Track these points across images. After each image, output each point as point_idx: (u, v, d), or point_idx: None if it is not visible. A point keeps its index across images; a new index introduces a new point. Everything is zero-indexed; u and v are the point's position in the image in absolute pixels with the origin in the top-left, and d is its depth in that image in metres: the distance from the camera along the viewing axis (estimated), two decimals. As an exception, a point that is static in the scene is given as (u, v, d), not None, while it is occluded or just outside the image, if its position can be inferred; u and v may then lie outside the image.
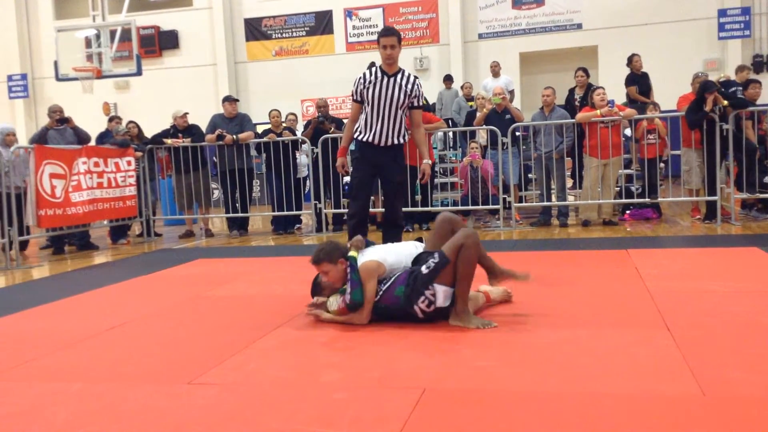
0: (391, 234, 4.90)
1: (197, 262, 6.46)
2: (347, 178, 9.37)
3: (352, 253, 3.62)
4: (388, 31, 4.75)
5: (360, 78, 4.78)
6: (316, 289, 3.84)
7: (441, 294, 3.47)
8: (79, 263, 7.08)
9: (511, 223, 8.19)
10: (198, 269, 6.04)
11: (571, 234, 7.37)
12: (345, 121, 9.12)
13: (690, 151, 7.81)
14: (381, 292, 3.57)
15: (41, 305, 4.67)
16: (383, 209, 5.09)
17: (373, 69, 4.80)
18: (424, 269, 3.51)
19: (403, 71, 4.82)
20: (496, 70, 11.73)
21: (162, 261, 6.70)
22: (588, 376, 2.63)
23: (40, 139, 7.66)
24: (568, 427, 2.15)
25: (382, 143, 4.79)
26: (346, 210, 9.31)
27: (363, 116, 4.81)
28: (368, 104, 4.75)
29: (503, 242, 7.00)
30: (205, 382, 2.80)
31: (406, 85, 4.73)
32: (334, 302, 3.64)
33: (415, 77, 4.87)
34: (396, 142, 4.83)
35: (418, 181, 8.35)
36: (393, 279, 3.60)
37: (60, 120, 7.86)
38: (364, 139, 4.81)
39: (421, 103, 4.88)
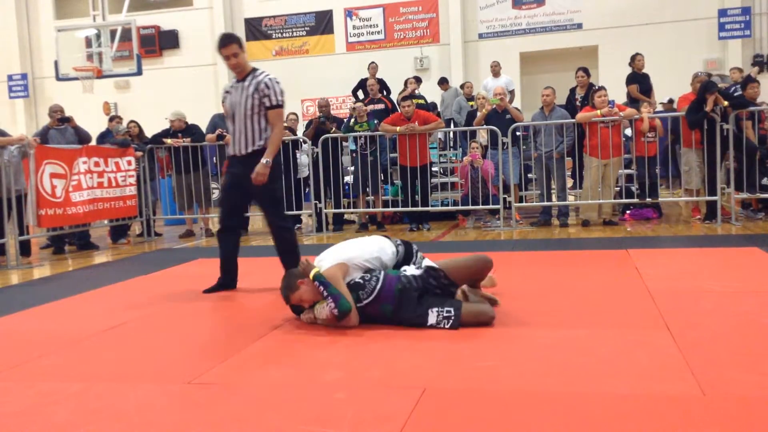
0: (282, 241, 4.64)
1: (197, 262, 6.46)
2: (348, 178, 9.43)
3: (314, 271, 3.51)
4: (224, 41, 4.53)
5: (224, 89, 4.76)
6: (297, 309, 3.74)
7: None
8: (80, 263, 7.08)
9: (511, 223, 8.19)
10: (198, 269, 6.04)
11: (571, 234, 7.37)
12: (345, 120, 9.22)
13: (690, 152, 7.80)
14: (365, 302, 3.50)
15: (41, 305, 4.66)
16: (266, 222, 4.83)
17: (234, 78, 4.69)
18: (432, 319, 3.41)
19: (254, 72, 4.59)
20: (496, 70, 11.72)
21: (162, 261, 6.70)
22: (588, 376, 2.63)
23: (42, 137, 7.69)
24: (568, 427, 2.15)
25: (239, 153, 4.61)
26: (347, 210, 9.40)
27: None
28: (227, 115, 4.69)
29: (503, 242, 7.00)
30: (205, 382, 2.79)
31: (248, 88, 4.53)
32: (321, 309, 3.58)
33: (266, 75, 4.58)
34: (251, 150, 4.56)
35: (417, 181, 8.38)
36: (377, 291, 3.49)
37: (61, 119, 7.89)
38: (229, 152, 4.73)
39: (273, 103, 4.57)
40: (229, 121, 4.67)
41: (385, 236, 3.99)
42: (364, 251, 3.73)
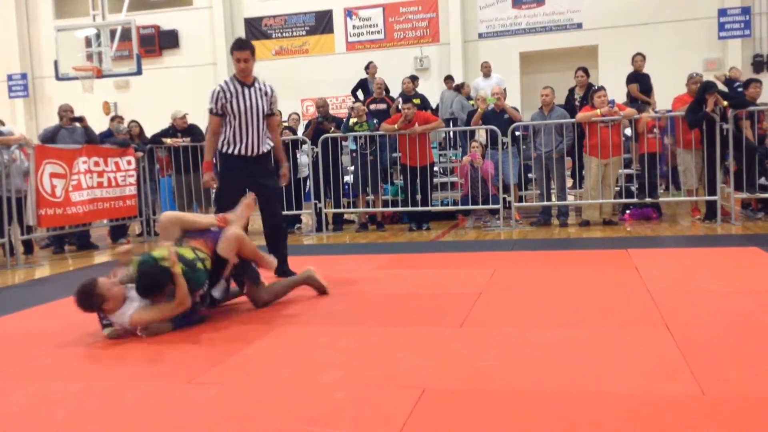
0: (275, 238, 5.11)
1: (197, 262, 6.45)
2: (348, 177, 9.42)
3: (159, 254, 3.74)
4: (241, 45, 4.82)
5: (219, 92, 4.84)
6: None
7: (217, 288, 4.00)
8: (80, 263, 7.08)
9: (511, 222, 8.19)
10: (198, 269, 6.02)
11: (571, 234, 7.37)
12: (345, 120, 9.20)
13: (687, 152, 7.80)
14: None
15: (41, 305, 4.67)
16: (266, 216, 5.17)
17: (229, 81, 4.89)
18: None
19: (257, 79, 4.95)
20: (487, 71, 11.81)
21: (162, 261, 6.68)
22: (588, 376, 2.63)
23: (53, 136, 7.81)
24: (568, 427, 2.15)
25: (254, 153, 4.93)
26: (347, 210, 9.39)
27: (228, 129, 4.88)
28: (233, 117, 4.84)
29: (503, 242, 6.99)
30: (205, 382, 2.79)
31: (262, 92, 4.91)
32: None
33: (269, 85, 5.02)
34: (266, 149, 5.02)
35: (418, 181, 8.38)
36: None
37: (74, 119, 8.00)
38: (236, 152, 4.90)
39: (276, 110, 5.12)
40: (236, 123, 4.85)
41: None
42: None
